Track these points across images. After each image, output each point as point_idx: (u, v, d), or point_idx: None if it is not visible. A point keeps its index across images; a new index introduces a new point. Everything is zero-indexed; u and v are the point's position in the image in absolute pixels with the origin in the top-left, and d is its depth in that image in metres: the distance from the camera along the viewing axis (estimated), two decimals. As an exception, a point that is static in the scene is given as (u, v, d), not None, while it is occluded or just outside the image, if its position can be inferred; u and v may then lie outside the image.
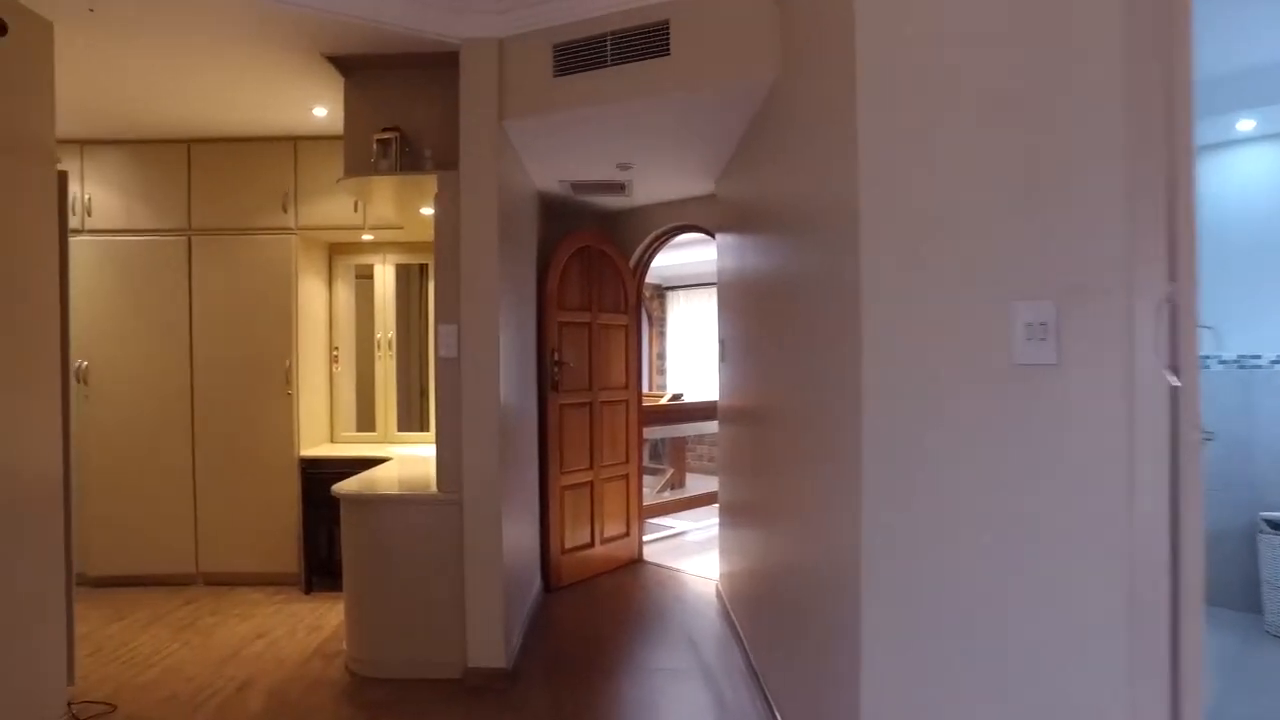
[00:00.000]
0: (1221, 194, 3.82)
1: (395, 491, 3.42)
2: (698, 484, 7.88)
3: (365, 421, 5.20)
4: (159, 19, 3.09)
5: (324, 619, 4.08)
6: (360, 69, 3.53)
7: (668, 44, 2.96)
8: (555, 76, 3.18)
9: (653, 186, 4.59)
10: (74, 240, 4.66)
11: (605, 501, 5.01)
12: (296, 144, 4.65)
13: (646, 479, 5.76)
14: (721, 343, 4.30)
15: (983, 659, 1.62)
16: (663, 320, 9.74)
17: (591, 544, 4.93)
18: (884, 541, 1.78)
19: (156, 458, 4.67)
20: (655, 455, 8.08)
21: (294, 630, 3.92)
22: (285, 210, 4.65)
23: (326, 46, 3.34)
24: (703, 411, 6.77)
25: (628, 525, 5.22)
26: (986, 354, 1.61)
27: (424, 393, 5.14)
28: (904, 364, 1.75)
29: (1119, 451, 1.43)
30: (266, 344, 4.65)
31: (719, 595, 4.47)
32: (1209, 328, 3.72)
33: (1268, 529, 3.46)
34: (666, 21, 2.95)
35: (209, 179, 4.69)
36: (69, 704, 2.98)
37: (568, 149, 3.74)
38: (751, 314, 3.43)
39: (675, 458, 7.80)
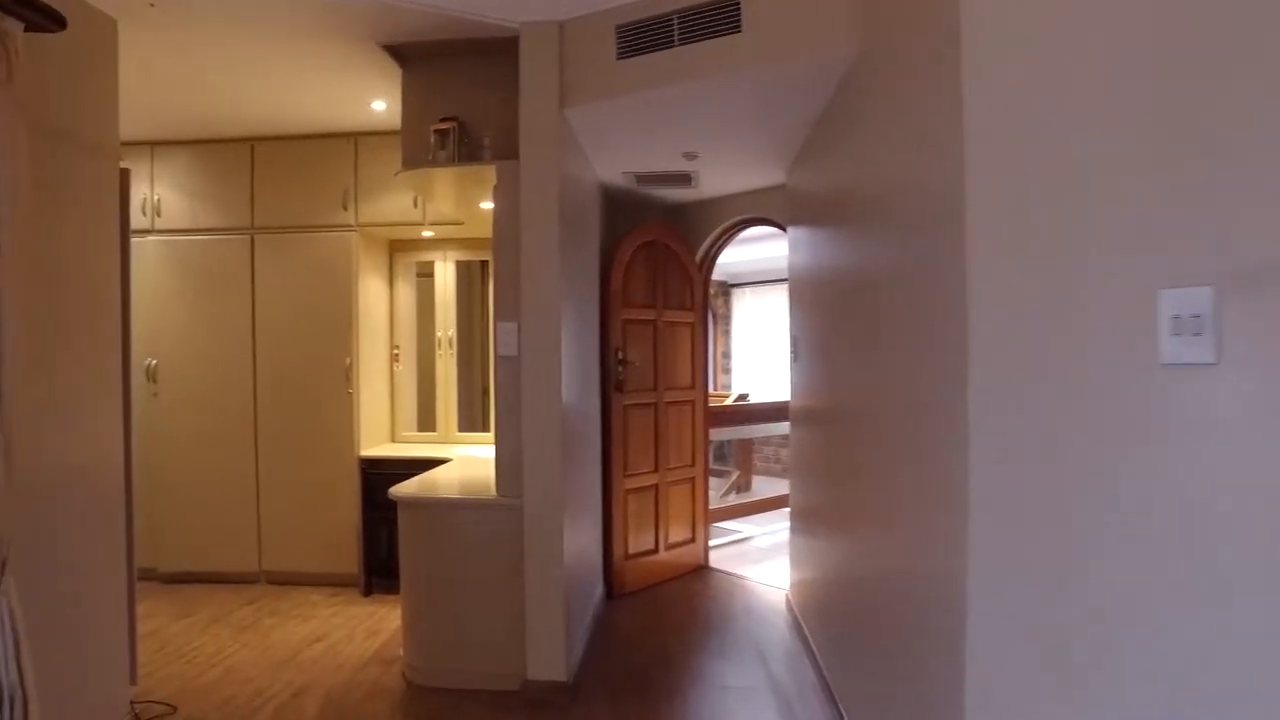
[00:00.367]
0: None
1: (453, 495, 3.31)
2: (764, 487, 7.65)
3: (426, 421, 5.13)
4: (218, 11, 3.04)
5: (382, 622, 4.00)
6: (417, 59, 3.43)
7: (739, 20, 2.76)
8: (619, 59, 3.01)
9: (720, 178, 4.39)
10: (144, 240, 4.72)
11: (670, 505, 4.83)
12: (356, 140, 4.59)
13: (711, 482, 5.57)
14: (793, 341, 4.07)
15: (1116, 691, 1.38)
16: (727, 318, 9.51)
17: (656, 550, 4.75)
18: (994, 560, 1.56)
19: (221, 455, 4.68)
20: (720, 457, 7.86)
21: (352, 634, 3.85)
22: (345, 207, 4.60)
23: (384, 36, 3.24)
24: (771, 412, 6.54)
25: (693, 530, 5.03)
26: (1123, 353, 1.37)
27: (485, 392, 5.04)
28: (1020, 366, 1.53)
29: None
30: (327, 342, 4.61)
31: (789, 606, 4.24)
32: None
33: None
34: (738, -5, 2.76)
35: (271, 177, 4.67)
36: (131, 704, 2.95)
37: (632, 138, 3.57)
38: (827, 311, 3.21)
39: (741, 460, 7.58)
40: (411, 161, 3.39)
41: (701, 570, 5.05)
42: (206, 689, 3.24)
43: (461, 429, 5.04)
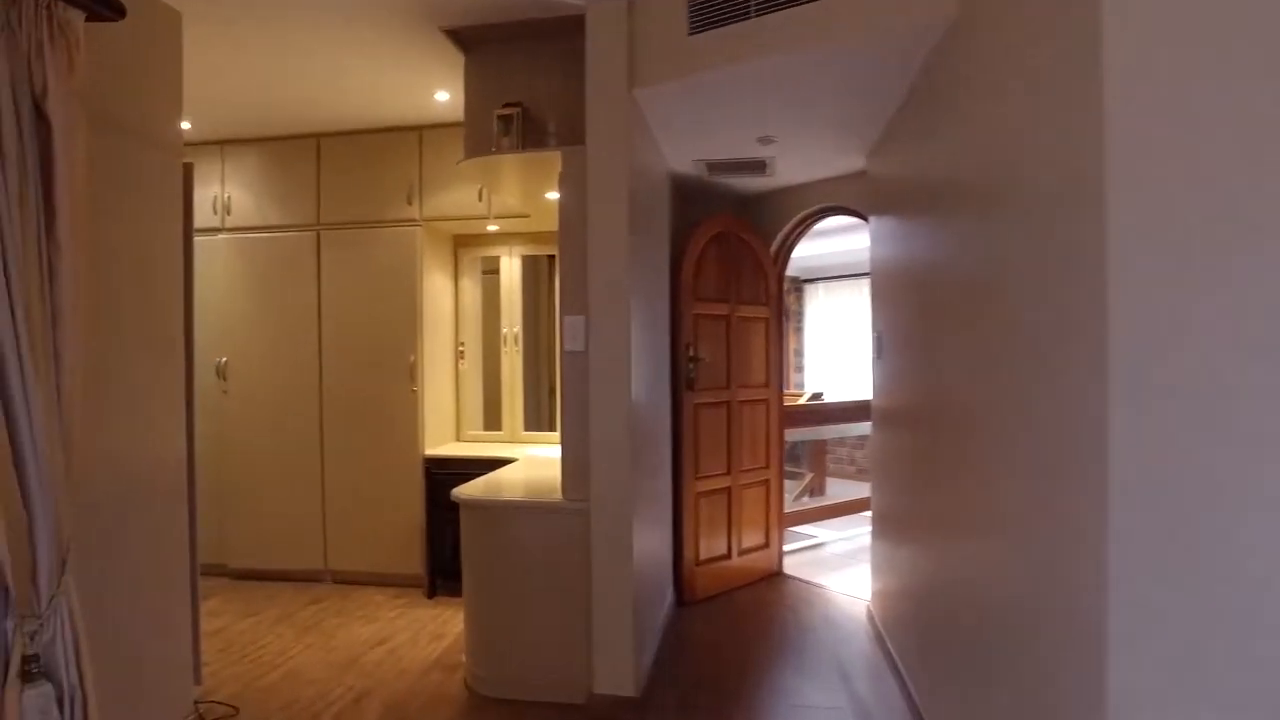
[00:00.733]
0: None
1: (517, 497, 3.16)
2: (837, 489, 7.35)
3: (491, 420, 5.02)
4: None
5: (446, 626, 3.89)
6: (480, 43, 3.30)
7: (823, -16, 2.53)
8: (691, 34, 2.82)
9: (796, 164, 4.15)
10: (214, 239, 4.74)
11: (743, 509, 4.62)
12: (421, 134, 4.51)
13: (785, 484, 5.33)
14: (877, 337, 3.81)
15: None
16: (799, 315, 9.20)
17: (728, 555, 4.54)
18: (1137, 571, 1.32)
19: (288, 453, 4.66)
20: (792, 458, 7.59)
21: (416, 637, 3.75)
22: (410, 202, 4.52)
23: (446, 19, 3.12)
24: (847, 412, 6.25)
25: (767, 535, 4.80)
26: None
27: (552, 391, 4.91)
28: (1172, 366, 1.29)
29: None
30: (391, 339, 4.54)
31: (870, 618, 3.98)
32: None
33: None
34: (821, -41, 2.53)
35: (336, 173, 4.63)
36: (196, 704, 2.91)
37: (704, 121, 3.37)
38: (919, 305, 2.95)
39: (815, 461, 7.30)
40: (474, 150, 3.26)
41: (775, 577, 4.81)
42: (268, 691, 3.18)
43: (527, 428, 4.92)
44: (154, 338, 2.64)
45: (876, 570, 4.00)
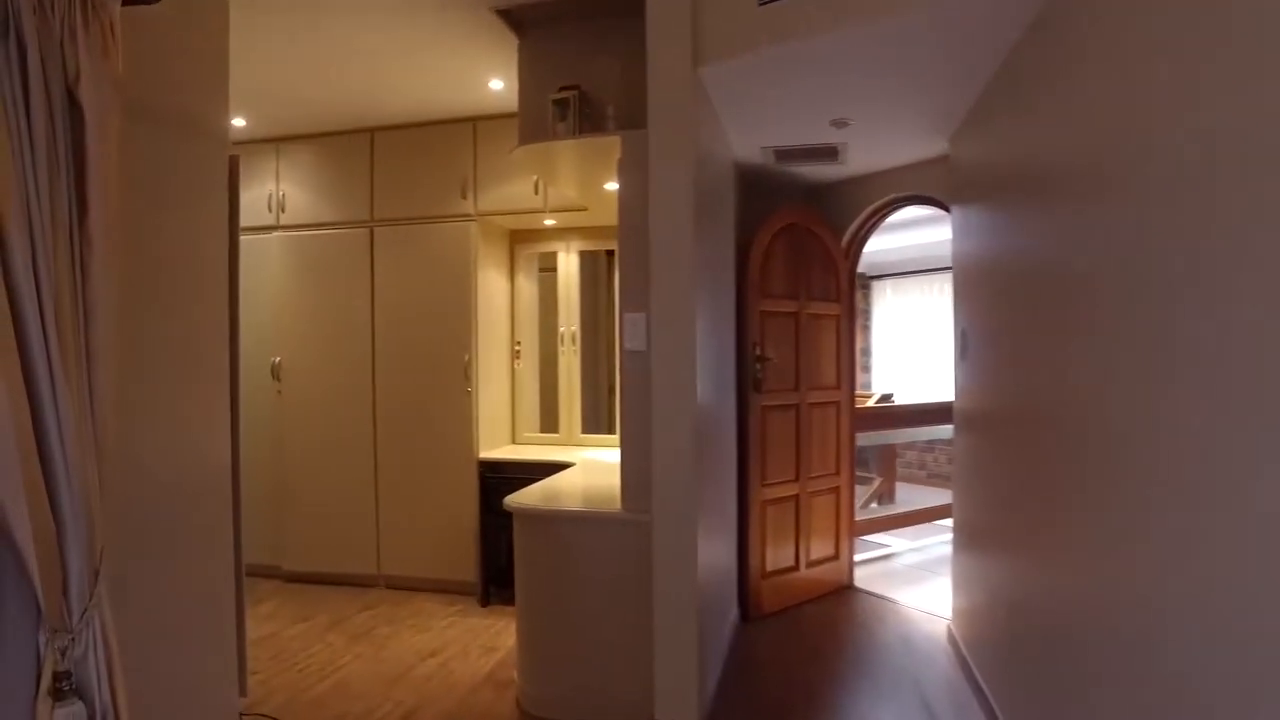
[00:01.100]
0: None
1: (572, 508, 2.97)
2: (907, 496, 7.02)
3: (548, 422, 4.86)
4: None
5: (499, 638, 3.73)
6: (534, 24, 3.13)
7: (911, -59, 2.27)
8: (761, 4, 2.58)
9: (871, 149, 3.86)
10: (268, 237, 4.68)
11: (813, 518, 4.35)
12: (475, 125, 4.37)
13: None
14: (962, 335, 3.51)
15: None
16: (866, 313, 8.84)
17: (796, 567, 4.28)
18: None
19: (342, 454, 4.57)
20: (860, 463, 7.26)
21: (467, 649, 3.59)
22: (464, 196, 4.38)
23: (499, -1, 2.96)
24: (921, 415, 5.92)
25: (837, 546, 4.53)
26: None
27: (611, 391, 4.72)
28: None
29: None
30: (446, 338, 4.41)
31: (952, 639, 3.67)
32: None
33: None
34: (909, -86, 2.27)
35: (390, 168, 4.52)
36: (240, 715, 2.79)
37: (774, 102, 3.13)
38: (1014, 302, 2.67)
39: (884, 466, 6.96)
40: (529, 136, 3.08)
41: (846, 590, 4.53)
42: (316, 703, 3.05)
43: (585, 430, 4.74)
44: (198, 338, 2.52)
45: (959, 586, 3.70)
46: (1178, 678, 1.48)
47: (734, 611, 3.91)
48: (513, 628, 3.72)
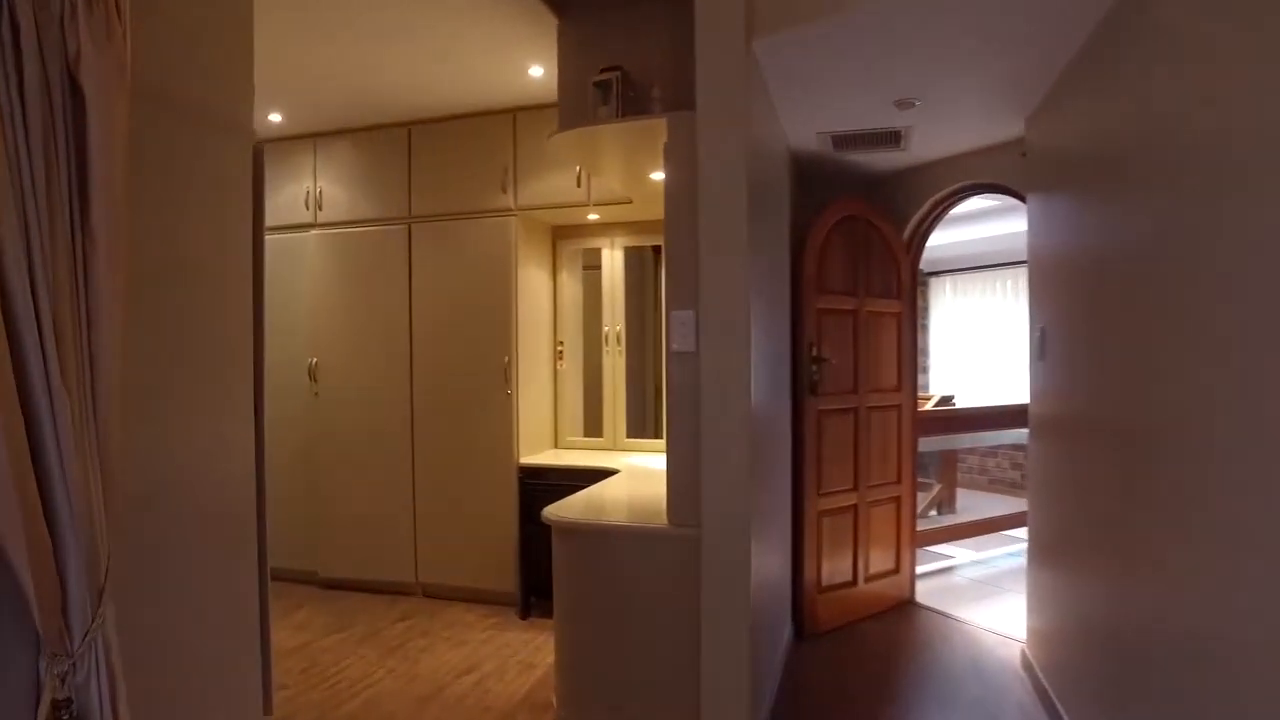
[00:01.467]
0: None
1: (613, 521, 2.75)
2: (969, 503, 6.67)
3: (592, 426, 4.66)
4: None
5: (538, 655, 3.54)
6: (575, 3, 2.92)
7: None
8: (823, -32, 2.34)
9: (937, 134, 3.58)
10: (306, 235, 4.57)
11: (872, 529, 4.08)
12: (515, 116, 4.19)
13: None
14: (1040, 334, 3.21)
15: None
16: (924, 311, 8.47)
17: (854, 581, 4.02)
18: None
19: (379, 458, 4.43)
20: (919, 468, 6.93)
21: (504, 666, 3.41)
22: (504, 190, 4.20)
23: (537, -27, 2.76)
24: (987, 418, 5.59)
25: (898, 558, 4.25)
26: None
27: (658, 393, 4.51)
28: None
29: None
30: (485, 338, 4.24)
31: (1028, 665, 3.37)
32: None
33: None
34: None
35: (428, 162, 4.37)
36: (266, 734, 2.65)
37: (833, 81, 2.89)
38: (1101, 298, 2.39)
39: (944, 472, 6.62)
40: (570, 121, 2.88)
41: (907, 606, 4.25)
42: (345, 723, 2.91)
43: (630, 435, 4.53)
44: (217, 341, 2.36)
45: (1036, 606, 3.39)
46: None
47: (787, 629, 3.66)
48: (552, 644, 3.53)
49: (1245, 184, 1.47)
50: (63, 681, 1.72)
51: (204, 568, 2.26)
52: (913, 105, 3.12)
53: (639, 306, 4.65)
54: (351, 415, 4.49)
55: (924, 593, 4.40)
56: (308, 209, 4.59)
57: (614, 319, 4.53)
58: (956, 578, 4.81)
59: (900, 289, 4.21)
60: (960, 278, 8.15)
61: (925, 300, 8.45)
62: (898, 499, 4.23)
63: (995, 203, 5.62)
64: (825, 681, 3.32)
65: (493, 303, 4.21)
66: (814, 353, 3.74)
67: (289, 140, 4.62)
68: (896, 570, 4.23)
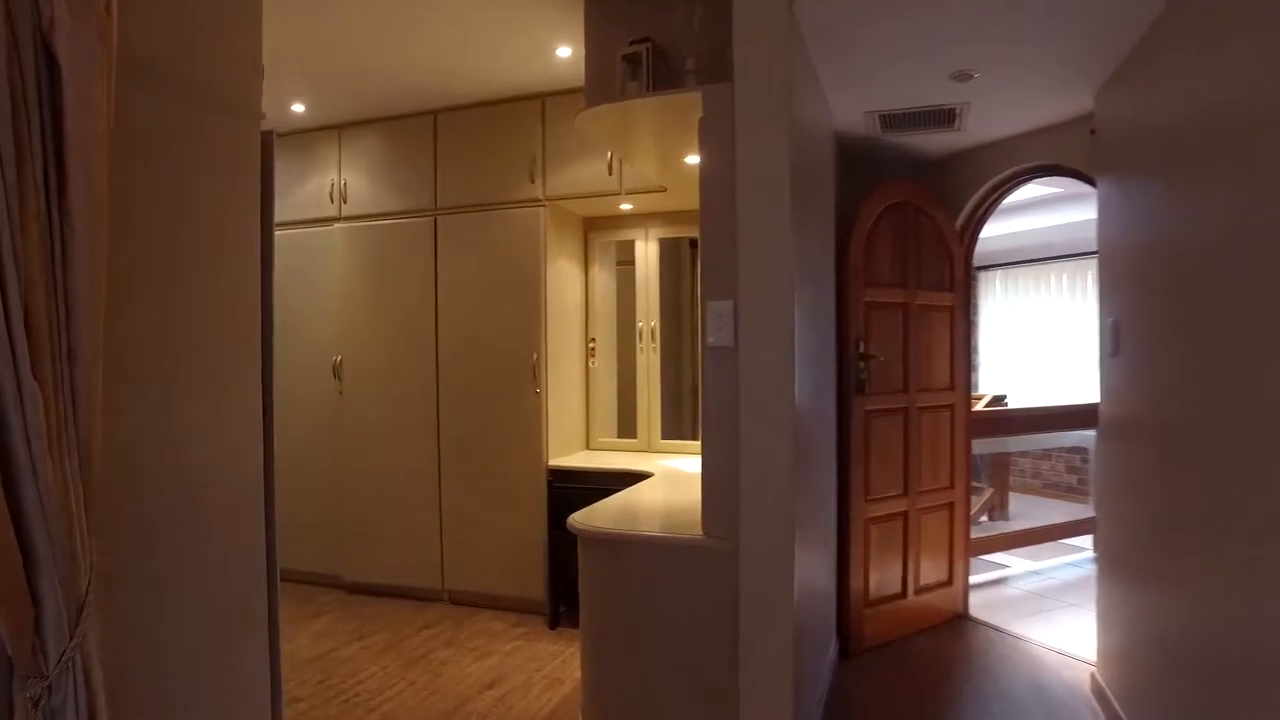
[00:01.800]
0: None
1: (645, 531, 2.53)
2: (1023, 508, 6.35)
3: (625, 426, 4.46)
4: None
5: (565, 669, 3.34)
6: (604, -29, 2.73)
7: None
8: (875, -80, 2.11)
9: (995, 112, 3.31)
10: (330, 229, 4.44)
11: (923, 538, 3.82)
12: (544, 102, 4.00)
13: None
14: (1113, 328, 2.92)
15: None
16: (973, 307, 8.12)
17: (903, 594, 3.76)
18: None
19: (405, 460, 4.28)
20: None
21: (530, 681, 3.22)
22: (533, 179, 4.02)
23: (562, -60, 2.57)
24: (1045, 419, 5.27)
25: (950, 569, 3.97)
26: None
27: (694, 392, 4.29)
28: None
29: None
30: (512, 334, 4.05)
31: (1099, 691, 3.07)
32: None
33: None
34: None
35: (455, 151, 4.20)
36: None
37: (883, 51, 2.65)
38: (1188, 290, 2.12)
39: (996, 475, 6.29)
40: (597, 98, 2.68)
41: (959, 621, 3.97)
42: (360, 742, 2.74)
43: (666, 436, 4.32)
44: (223, 338, 2.20)
45: (1107, 625, 3.10)
46: None
47: (832, 645, 3.42)
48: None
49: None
50: (36, 705, 1.56)
51: (209, 573, 2.11)
52: (970, 78, 2.86)
53: (674, 301, 4.44)
54: (376, 414, 4.34)
55: (978, 606, 4.12)
56: (332, 202, 4.46)
57: (648, 314, 4.32)
58: (1011, 589, 4.51)
59: (953, 281, 3.93)
60: (1010, 272, 7.80)
61: (974, 296, 8.10)
62: (950, 505, 3.95)
63: (1054, 190, 5.31)
64: (873, 702, 3.08)
65: (521, 298, 4.03)
66: (861, 349, 3.49)
67: (313, 132, 4.50)
68: (949, 582, 3.96)
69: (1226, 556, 1.92)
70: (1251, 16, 1.74)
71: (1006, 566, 4.86)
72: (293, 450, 4.52)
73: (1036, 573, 4.76)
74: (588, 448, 4.43)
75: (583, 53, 3.08)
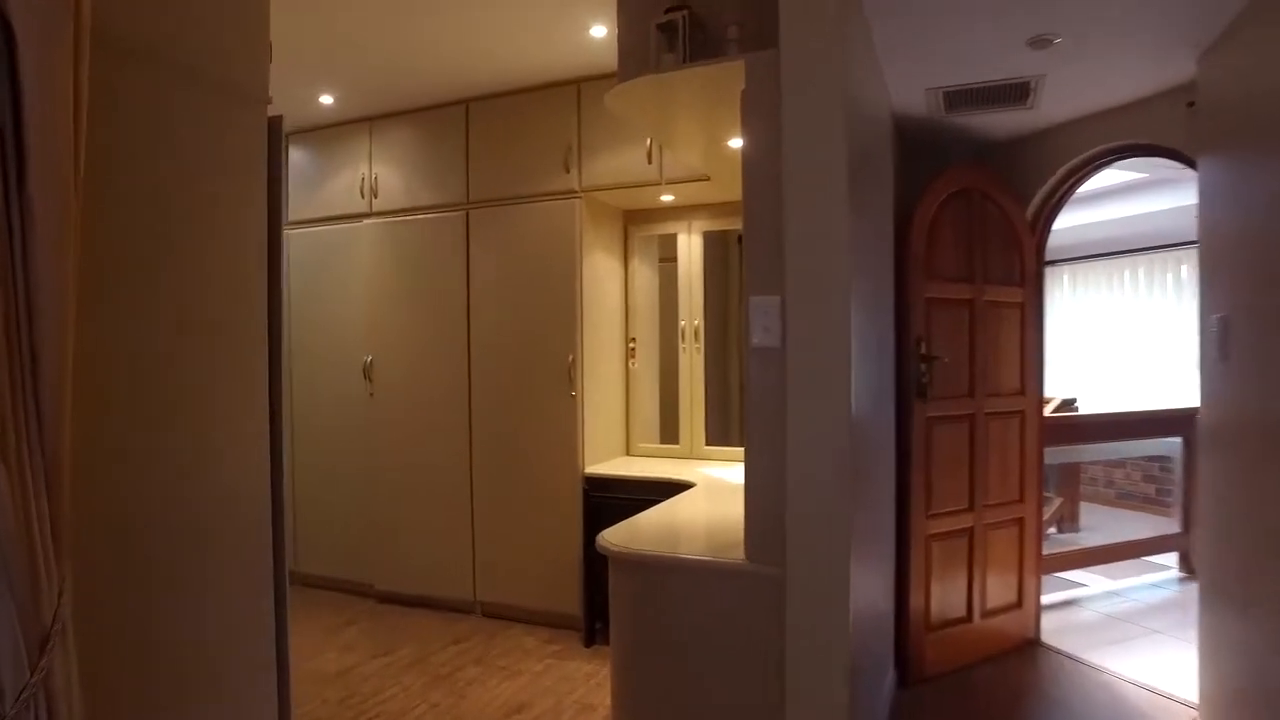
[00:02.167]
0: None
1: (679, 554, 2.26)
2: (1094, 519, 5.93)
3: (668, 431, 4.21)
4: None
5: (598, 693, 3.10)
6: (637, -66, 2.48)
7: None
8: None
9: (1076, 84, 2.97)
10: (361, 225, 4.29)
11: (989, 556, 3.49)
12: (580, 88, 3.78)
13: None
14: (1220, 326, 2.56)
15: None
16: (1038, 305, 7.67)
17: (968, 617, 3.44)
18: None
19: (436, 465, 4.09)
20: (1034, 479, 6.21)
21: (559, 706, 2.99)
22: (568, 169, 3.80)
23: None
24: (1124, 425, 4.89)
25: (1020, 590, 3.63)
26: None
27: (741, 395, 4.02)
28: None
29: None
30: (547, 333, 3.84)
31: (1199, 735, 2.73)
32: None
33: None
34: None
35: (487, 142, 4.00)
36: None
37: (951, 14, 2.35)
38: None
39: (1065, 484, 5.89)
40: (630, 71, 2.43)
41: (1030, 648, 3.63)
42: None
43: (710, 442, 4.06)
44: (226, 338, 2.02)
45: (1215, 662, 2.73)
46: None
47: (890, 675, 3.12)
48: (615, 684, 3.11)
49: None
50: (-14, 749, 1.39)
51: (210, 591, 1.94)
52: (1050, 44, 2.55)
53: (720, 298, 4.18)
54: (407, 418, 4.17)
55: (1050, 630, 3.77)
56: (362, 197, 4.31)
57: (691, 313, 4.07)
58: (1087, 612, 4.14)
59: (1024, 275, 3.60)
60: (1080, 268, 7.34)
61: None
62: (1020, 520, 3.62)
63: (1137, 176, 4.91)
64: (937, 742, 2.78)
65: (556, 295, 3.81)
66: (922, 349, 3.18)
67: (342, 125, 4.36)
68: (1019, 604, 3.62)
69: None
70: None
71: (1081, 585, 4.48)
72: (324, 454, 4.39)
73: (1115, 593, 4.37)
74: (628, 454, 4.20)
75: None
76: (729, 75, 2.17)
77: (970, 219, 3.39)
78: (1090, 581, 4.52)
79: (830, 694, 2.03)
